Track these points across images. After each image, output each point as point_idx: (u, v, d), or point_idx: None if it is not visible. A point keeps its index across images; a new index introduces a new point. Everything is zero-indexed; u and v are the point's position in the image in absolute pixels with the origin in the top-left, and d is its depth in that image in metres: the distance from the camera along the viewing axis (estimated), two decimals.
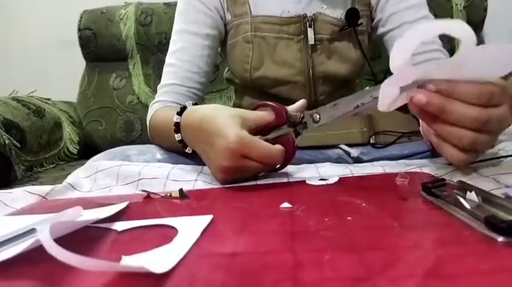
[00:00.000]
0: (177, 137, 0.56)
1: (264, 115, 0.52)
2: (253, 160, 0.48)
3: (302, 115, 0.51)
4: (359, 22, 0.79)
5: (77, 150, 1.26)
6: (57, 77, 1.59)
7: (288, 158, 0.51)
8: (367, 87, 0.46)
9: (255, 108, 0.55)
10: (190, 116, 0.54)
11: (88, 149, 1.34)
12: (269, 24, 0.79)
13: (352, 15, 0.79)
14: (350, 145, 0.73)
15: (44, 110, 1.20)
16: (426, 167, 0.52)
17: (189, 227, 0.33)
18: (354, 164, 0.60)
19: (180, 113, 0.56)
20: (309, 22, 0.78)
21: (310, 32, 0.78)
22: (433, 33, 0.39)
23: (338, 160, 0.71)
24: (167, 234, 0.32)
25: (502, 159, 0.50)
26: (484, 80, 0.39)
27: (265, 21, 0.79)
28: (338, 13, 0.80)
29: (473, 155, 0.42)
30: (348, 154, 0.71)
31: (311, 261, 0.26)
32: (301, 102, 0.56)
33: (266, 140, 0.50)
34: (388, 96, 0.41)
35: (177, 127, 0.56)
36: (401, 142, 0.72)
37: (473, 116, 0.38)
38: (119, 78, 1.44)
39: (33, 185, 0.78)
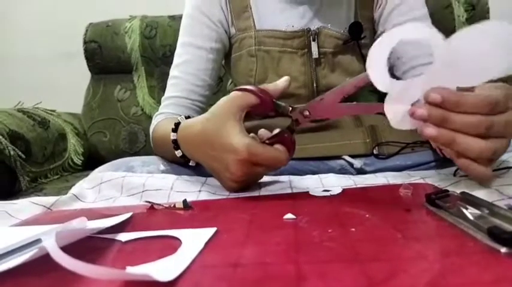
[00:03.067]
0: (178, 153, 0.57)
1: (249, 100, 0.50)
2: (261, 165, 0.49)
3: (290, 108, 0.50)
4: (362, 36, 0.80)
5: (81, 161, 1.27)
6: (63, 88, 1.60)
7: (290, 155, 0.50)
8: (348, 79, 0.46)
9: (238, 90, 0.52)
10: (189, 131, 0.55)
11: (92, 160, 1.34)
12: (273, 38, 0.80)
13: (355, 29, 0.80)
14: (353, 156, 0.73)
15: (49, 121, 1.21)
16: (429, 178, 0.52)
17: (193, 239, 0.33)
18: (357, 175, 0.60)
19: (174, 130, 0.57)
20: (313, 36, 0.79)
21: (314, 46, 0.79)
22: (399, 38, 0.38)
23: (341, 171, 0.71)
24: (171, 245, 0.33)
25: (505, 170, 0.50)
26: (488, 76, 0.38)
27: (269, 35, 0.80)
28: (341, 27, 0.81)
29: (491, 167, 0.42)
30: (351, 164, 0.72)
31: (314, 272, 0.26)
32: (284, 79, 0.53)
33: (263, 142, 0.50)
34: (397, 113, 0.42)
35: (176, 144, 0.57)
36: (404, 153, 0.72)
37: (475, 124, 0.38)
38: (123, 90, 1.45)
39: (38, 196, 0.78)
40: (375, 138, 0.74)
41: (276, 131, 0.51)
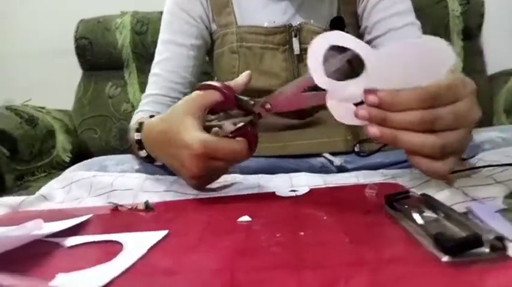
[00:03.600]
0: (143, 153, 0.56)
1: (211, 98, 0.49)
2: (219, 160, 0.47)
3: (252, 103, 0.49)
4: (345, 31, 0.78)
5: (69, 158, 1.26)
6: (54, 85, 1.59)
7: (251, 148, 0.49)
8: (308, 72, 0.44)
9: (200, 88, 0.52)
10: (151, 130, 0.54)
11: (82, 158, 1.32)
12: (254, 34, 0.78)
13: (337, 24, 0.78)
14: (335, 153, 0.72)
15: (38, 118, 1.20)
16: (401, 178, 0.50)
17: (138, 244, 0.32)
18: (328, 174, 0.59)
19: (138, 129, 0.56)
20: (294, 32, 0.77)
21: (296, 42, 0.77)
22: (330, 43, 0.40)
23: (322, 169, 0.70)
24: (113, 251, 0.32)
25: (479, 169, 0.49)
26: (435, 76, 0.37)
27: (251, 32, 0.78)
28: (324, 23, 0.79)
29: (449, 162, 0.39)
30: (332, 162, 0.71)
31: (248, 281, 0.25)
32: (245, 74, 0.53)
33: (226, 136, 0.49)
34: (340, 109, 0.41)
35: (140, 144, 0.56)
36: (385, 150, 0.71)
37: (416, 120, 0.37)
38: (114, 87, 1.45)
39: (22, 194, 0.78)
40: (356, 135, 0.73)
41: (240, 124, 0.50)
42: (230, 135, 0.49)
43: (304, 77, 0.45)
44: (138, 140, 0.56)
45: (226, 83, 0.50)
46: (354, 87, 0.39)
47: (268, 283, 0.25)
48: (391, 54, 0.37)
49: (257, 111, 0.49)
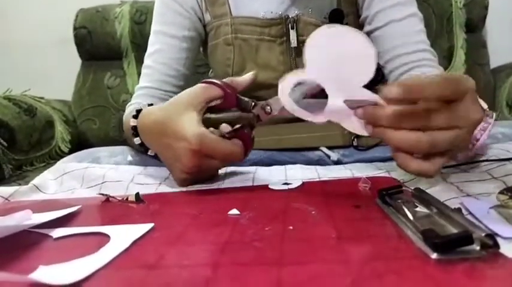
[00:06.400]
0: (136, 141, 0.55)
1: (213, 92, 0.49)
2: (214, 158, 0.47)
3: (253, 104, 0.49)
4: (344, 22, 0.77)
5: (68, 149, 1.25)
6: (54, 75, 1.59)
7: (246, 151, 0.49)
8: None
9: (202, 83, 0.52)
10: (146, 118, 0.53)
11: (81, 148, 1.31)
12: (250, 25, 0.76)
13: (336, 15, 0.76)
14: (333, 147, 0.71)
15: (36, 109, 1.20)
16: (395, 172, 0.50)
17: (123, 236, 0.32)
18: (323, 167, 0.58)
19: (136, 116, 0.55)
20: (291, 24, 0.75)
21: (293, 34, 0.75)
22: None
23: (319, 162, 0.69)
24: (98, 243, 0.31)
25: (476, 164, 0.48)
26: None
27: (246, 23, 0.76)
28: (323, 13, 0.77)
29: (436, 162, 0.37)
30: (329, 156, 0.70)
31: (228, 276, 0.25)
32: (249, 75, 0.53)
33: (223, 136, 0.48)
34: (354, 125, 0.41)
35: (135, 131, 0.55)
36: (384, 144, 0.70)
37: (396, 114, 0.35)
38: (113, 77, 1.43)
39: (20, 184, 0.78)
40: None
41: (237, 126, 0.50)
42: (226, 135, 0.48)
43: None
44: (133, 126, 0.55)
45: (228, 79, 0.50)
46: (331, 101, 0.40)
47: (247, 279, 0.24)
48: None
49: (257, 113, 0.49)
